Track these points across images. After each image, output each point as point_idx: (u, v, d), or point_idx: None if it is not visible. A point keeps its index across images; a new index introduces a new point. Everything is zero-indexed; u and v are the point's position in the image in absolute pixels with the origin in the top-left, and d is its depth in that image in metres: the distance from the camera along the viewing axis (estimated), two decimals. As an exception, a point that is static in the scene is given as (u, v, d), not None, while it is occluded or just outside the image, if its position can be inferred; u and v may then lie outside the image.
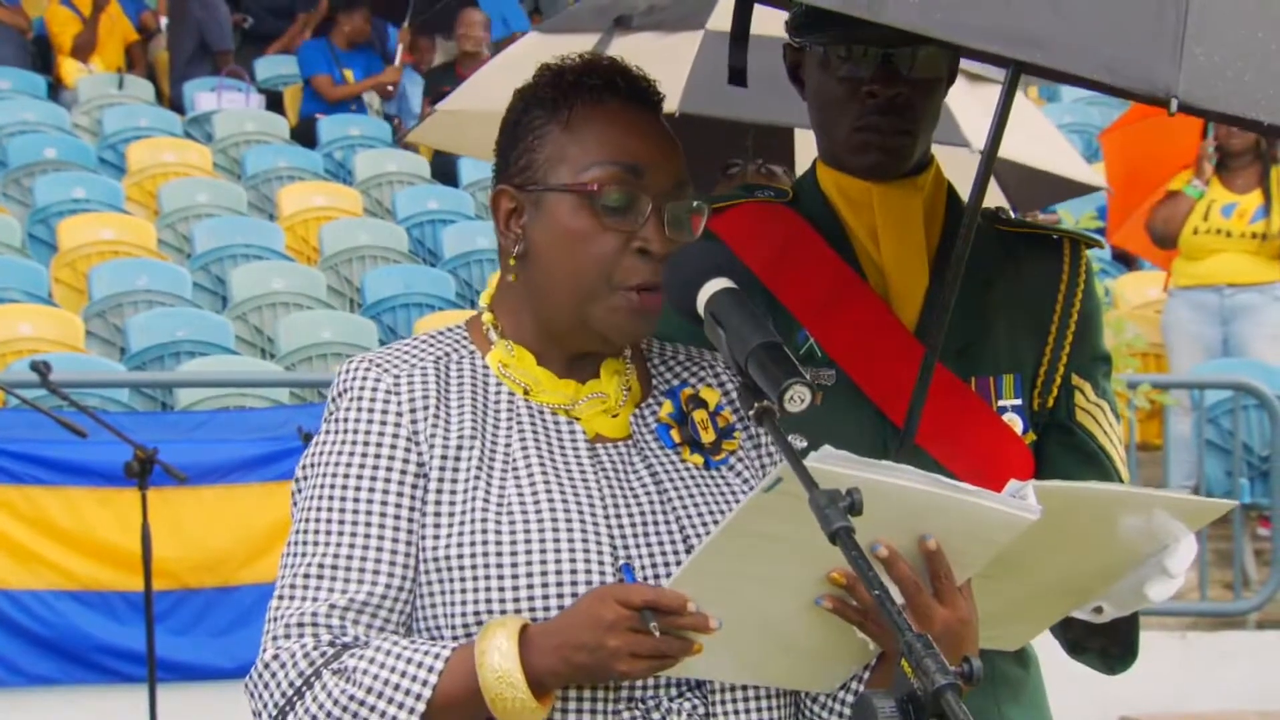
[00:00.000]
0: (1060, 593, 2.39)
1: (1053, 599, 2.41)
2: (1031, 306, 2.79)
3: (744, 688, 2.20)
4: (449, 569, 2.16)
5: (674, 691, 2.16)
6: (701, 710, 2.17)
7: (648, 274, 2.20)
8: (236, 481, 7.05)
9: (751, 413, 2.08)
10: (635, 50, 4.77)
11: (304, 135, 12.47)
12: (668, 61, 4.73)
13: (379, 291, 10.13)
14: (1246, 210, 9.05)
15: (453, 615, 2.15)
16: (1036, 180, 5.83)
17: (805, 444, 2.57)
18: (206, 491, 6.97)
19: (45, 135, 11.44)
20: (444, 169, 12.24)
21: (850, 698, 2.24)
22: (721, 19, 5.08)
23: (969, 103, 4.80)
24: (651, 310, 2.22)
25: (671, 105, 4.89)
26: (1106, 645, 2.70)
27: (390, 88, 12.93)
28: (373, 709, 2.08)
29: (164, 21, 13.78)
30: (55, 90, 12.73)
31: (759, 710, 2.21)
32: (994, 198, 5.85)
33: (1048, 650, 2.78)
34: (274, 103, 13.05)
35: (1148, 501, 2.30)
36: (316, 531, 2.18)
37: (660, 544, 2.20)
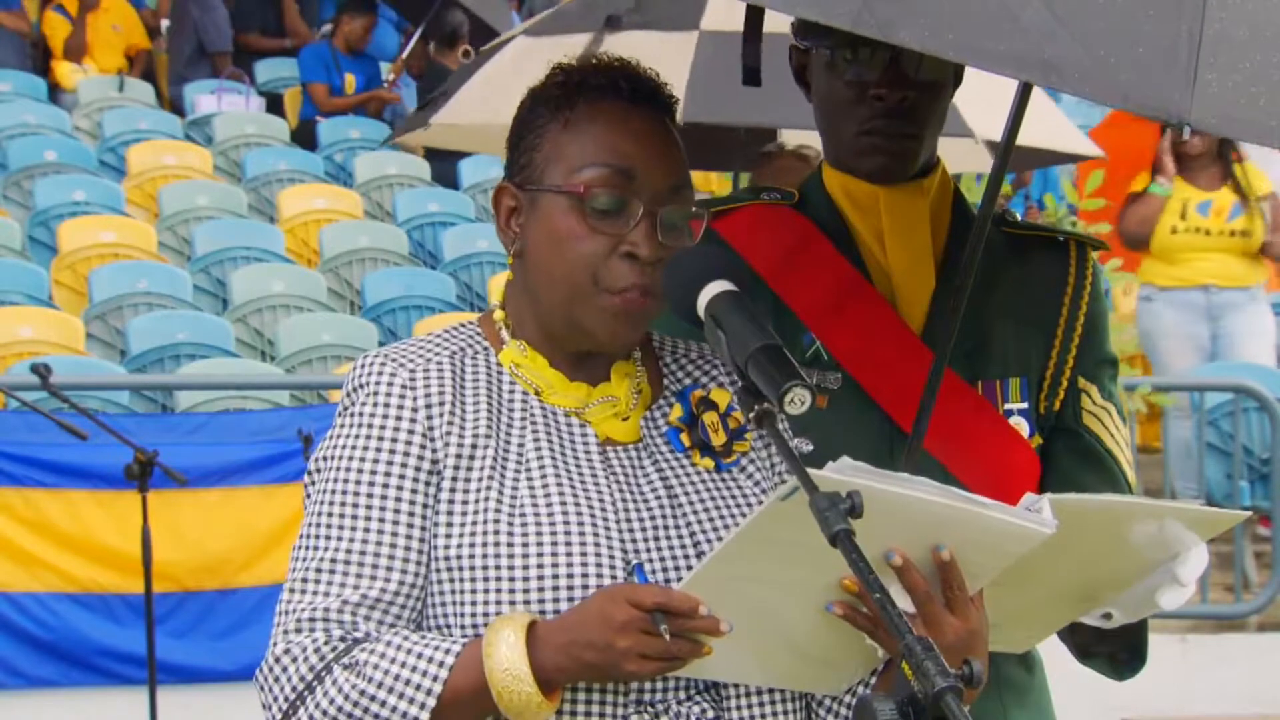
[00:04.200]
0: (1070, 599, 2.39)
1: (1062, 605, 2.40)
2: (1037, 309, 2.79)
3: (757, 690, 2.20)
4: (460, 568, 2.16)
5: (683, 694, 2.16)
6: (712, 714, 2.17)
7: (633, 278, 2.19)
8: (237, 484, 7.05)
9: (752, 415, 2.08)
10: (629, 51, 4.74)
11: (304, 138, 12.47)
12: (663, 66, 4.69)
13: (379, 294, 10.12)
14: (1223, 208, 9.05)
15: (462, 615, 2.15)
16: (1032, 153, 5.79)
17: (811, 448, 2.57)
18: (206, 494, 6.97)
19: (46, 138, 11.43)
20: (444, 172, 12.24)
21: (857, 699, 2.24)
22: (715, 19, 5.04)
23: (969, 89, 4.77)
24: (638, 313, 2.21)
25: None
26: (1115, 651, 2.70)
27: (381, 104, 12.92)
28: (384, 704, 2.08)
29: (164, 24, 13.77)
30: (55, 93, 12.72)
31: (773, 714, 2.21)
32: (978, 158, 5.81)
33: (1050, 653, 2.78)
34: (274, 105, 13.04)
35: (1160, 511, 2.30)
36: (330, 526, 2.18)
37: (670, 548, 2.20)
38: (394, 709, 2.07)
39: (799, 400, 2.04)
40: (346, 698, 2.09)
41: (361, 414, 2.20)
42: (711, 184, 10.71)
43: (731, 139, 5.55)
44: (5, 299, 9.30)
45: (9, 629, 6.85)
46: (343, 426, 2.22)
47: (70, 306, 9.67)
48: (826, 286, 2.72)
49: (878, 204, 2.72)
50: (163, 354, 8.98)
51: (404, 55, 13.21)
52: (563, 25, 5.02)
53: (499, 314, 2.30)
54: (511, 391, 2.25)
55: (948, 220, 2.78)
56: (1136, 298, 9.39)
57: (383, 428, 2.19)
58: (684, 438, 2.27)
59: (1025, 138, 5.48)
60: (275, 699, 2.13)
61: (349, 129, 12.56)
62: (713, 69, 4.91)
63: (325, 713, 2.09)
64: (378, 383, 2.21)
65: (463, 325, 2.32)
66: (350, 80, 12.85)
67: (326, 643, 2.12)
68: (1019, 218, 2.88)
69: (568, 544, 2.15)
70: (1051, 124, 5.77)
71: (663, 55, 4.76)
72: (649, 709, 2.15)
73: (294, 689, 2.11)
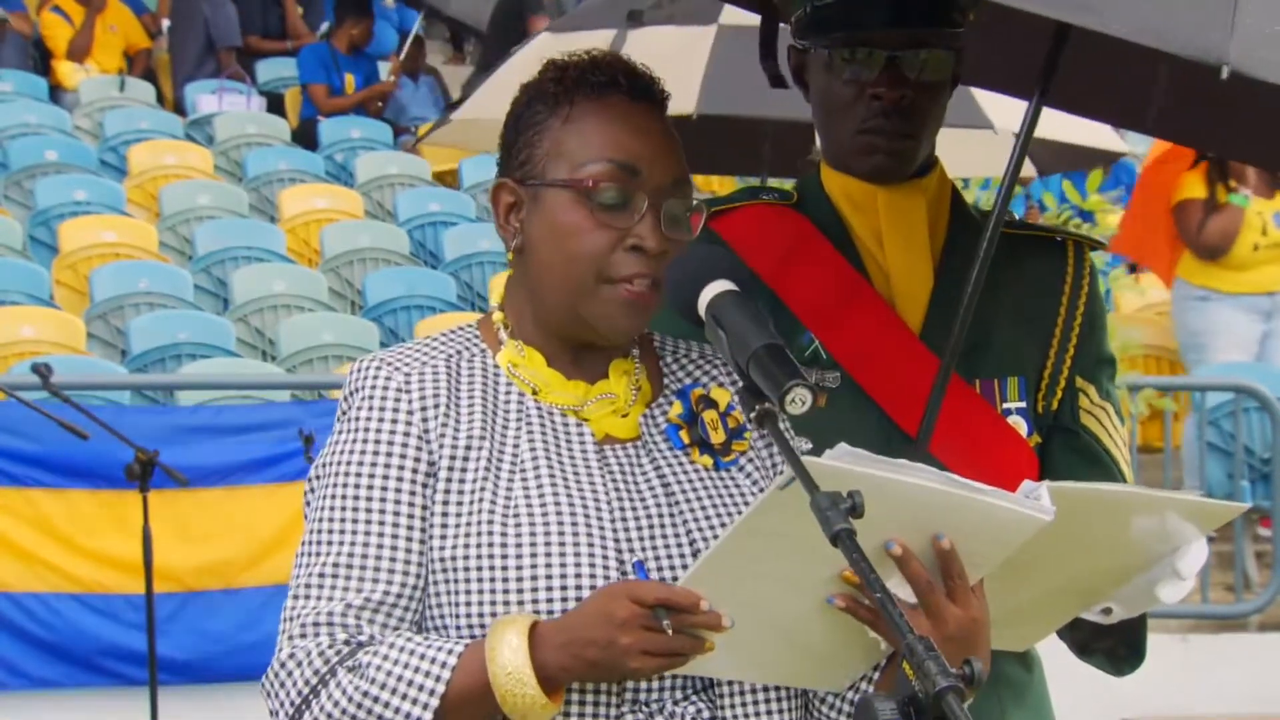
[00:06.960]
0: (1070, 593, 2.39)
1: (1063, 600, 2.40)
2: (1036, 309, 2.79)
3: (753, 690, 2.20)
4: (455, 569, 2.16)
5: (679, 694, 2.16)
6: (708, 713, 2.17)
7: (639, 266, 2.20)
8: (237, 484, 7.05)
9: (753, 415, 2.08)
10: (650, 46, 4.77)
11: (305, 137, 12.47)
12: (682, 59, 4.75)
13: (380, 294, 10.12)
14: None
15: (458, 616, 2.16)
16: (1061, 151, 5.77)
17: (810, 446, 2.57)
18: (207, 494, 6.97)
19: (47, 138, 11.43)
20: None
21: (859, 698, 2.24)
22: (733, 13, 5.10)
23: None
24: (643, 304, 2.21)
25: (689, 107, 4.89)
26: (1114, 646, 2.71)
27: (380, 103, 12.91)
28: (387, 705, 2.08)
29: (165, 24, 13.78)
30: (56, 93, 12.73)
31: (768, 713, 2.21)
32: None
33: (1050, 652, 2.78)
34: (275, 105, 13.05)
35: (1160, 503, 2.30)
36: (331, 531, 2.19)
37: (666, 546, 2.20)
38: (397, 709, 2.08)
39: (800, 400, 2.04)
40: (350, 699, 2.10)
41: (358, 418, 2.22)
42: (712, 184, 10.71)
43: (756, 140, 5.53)
44: (6, 299, 9.30)
45: (11, 629, 6.85)
46: (341, 432, 2.23)
47: (71, 306, 9.68)
48: (825, 286, 2.72)
49: (876, 204, 2.73)
50: (164, 354, 8.98)
51: (401, 55, 13.22)
52: (586, 22, 5.07)
53: (498, 315, 2.31)
54: (508, 392, 2.26)
55: (946, 220, 2.78)
56: (1181, 296, 9.26)
57: (379, 431, 2.20)
58: (683, 435, 2.28)
59: (1066, 134, 5.44)
60: (282, 704, 2.14)
61: (350, 129, 12.56)
62: (730, 62, 5.01)
63: (330, 715, 2.10)
64: (373, 386, 2.22)
65: (461, 328, 2.32)
66: (350, 80, 12.86)
67: (331, 646, 2.13)
68: (1017, 218, 2.89)
69: (561, 544, 2.15)
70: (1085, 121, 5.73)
71: (681, 49, 4.80)
72: (644, 708, 2.15)
73: (299, 693, 2.12)
